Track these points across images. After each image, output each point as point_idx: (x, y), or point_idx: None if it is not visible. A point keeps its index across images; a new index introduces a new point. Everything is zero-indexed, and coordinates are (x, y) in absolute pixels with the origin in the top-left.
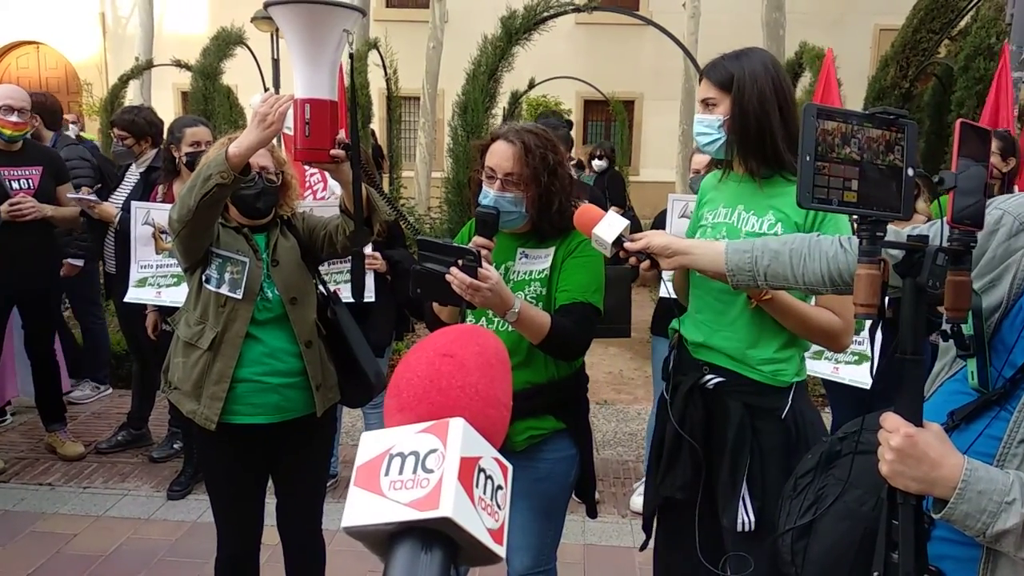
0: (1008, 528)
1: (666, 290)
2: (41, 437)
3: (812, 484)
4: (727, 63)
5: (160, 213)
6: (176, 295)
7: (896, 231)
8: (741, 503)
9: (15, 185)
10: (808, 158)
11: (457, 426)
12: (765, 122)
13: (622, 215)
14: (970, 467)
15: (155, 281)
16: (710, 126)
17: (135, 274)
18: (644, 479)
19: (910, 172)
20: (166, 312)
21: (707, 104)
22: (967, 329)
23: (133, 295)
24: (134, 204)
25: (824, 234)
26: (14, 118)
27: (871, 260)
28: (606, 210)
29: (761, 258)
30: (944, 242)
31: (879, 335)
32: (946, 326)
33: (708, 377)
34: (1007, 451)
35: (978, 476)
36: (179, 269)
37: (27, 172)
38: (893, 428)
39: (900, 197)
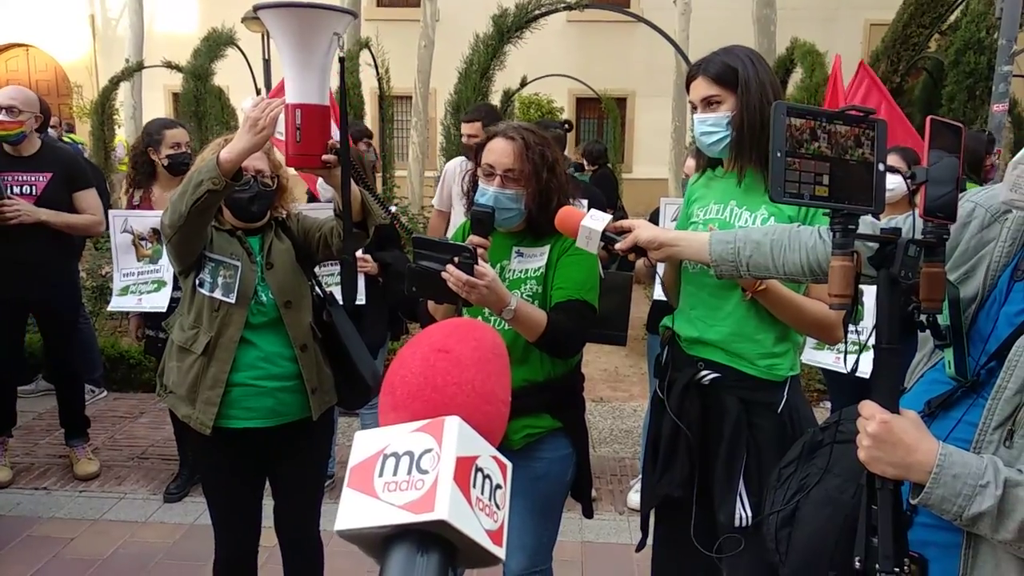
0: (983, 511)
1: (661, 292)
2: (36, 442)
3: (795, 474)
4: (725, 59)
5: (138, 220)
6: (156, 300)
7: (872, 223)
8: (738, 498)
9: (16, 191)
10: (779, 154)
11: (452, 425)
12: (767, 118)
13: (612, 216)
14: (944, 452)
15: (136, 288)
16: (716, 124)
17: (118, 283)
18: (640, 477)
19: (881, 167)
20: (147, 316)
21: (709, 102)
22: (943, 319)
23: (116, 304)
24: (112, 213)
25: (816, 226)
26: (1, 116)
27: (844, 252)
28: (603, 208)
29: (743, 248)
30: (918, 235)
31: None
32: (922, 317)
33: (703, 373)
34: (983, 437)
35: (952, 461)
36: (158, 275)
37: (33, 178)
38: (869, 415)
39: (872, 191)
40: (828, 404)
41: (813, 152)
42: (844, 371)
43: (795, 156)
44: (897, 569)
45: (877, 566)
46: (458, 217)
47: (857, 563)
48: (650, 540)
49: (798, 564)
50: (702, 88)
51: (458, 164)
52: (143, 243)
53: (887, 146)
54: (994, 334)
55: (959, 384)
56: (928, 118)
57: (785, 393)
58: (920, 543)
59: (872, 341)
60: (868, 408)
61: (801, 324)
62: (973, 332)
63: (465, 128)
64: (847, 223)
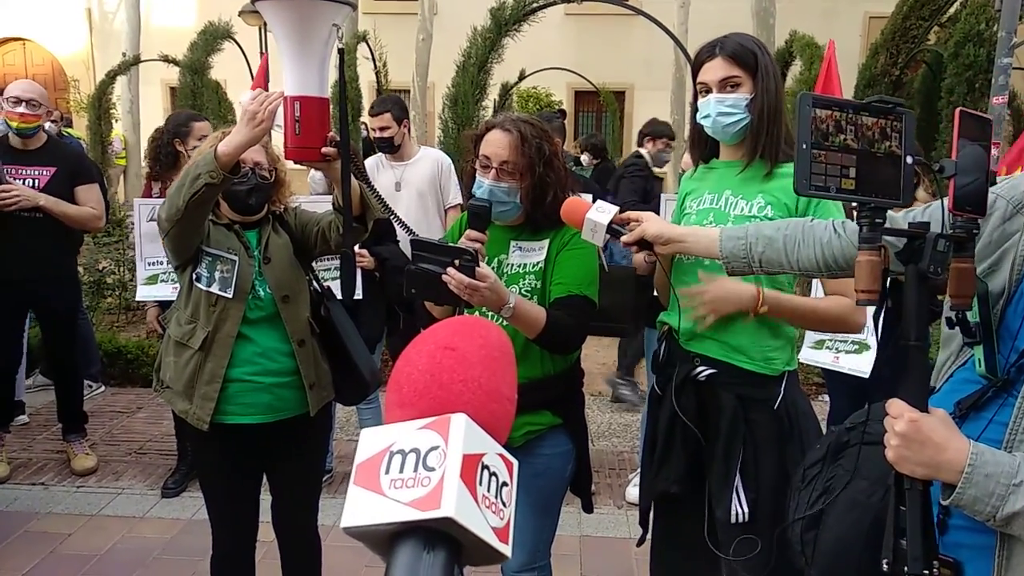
0: (1017, 510)
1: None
2: (34, 437)
3: (820, 475)
4: (741, 41)
5: None
6: None
7: (893, 217)
8: (735, 494)
9: (18, 183)
10: (804, 146)
11: (459, 422)
12: (779, 106)
13: (618, 208)
14: (976, 451)
15: (168, 277)
16: (735, 106)
17: (143, 272)
18: (639, 471)
19: (909, 160)
20: (166, 305)
21: (728, 83)
22: (972, 316)
23: (144, 293)
24: (137, 201)
25: (817, 218)
26: (22, 109)
27: (872, 247)
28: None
29: (755, 244)
30: (947, 229)
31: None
32: (950, 313)
33: (700, 369)
34: (1014, 436)
35: (984, 460)
36: None
37: (36, 172)
38: (898, 414)
39: (899, 184)
40: (826, 398)
41: (839, 144)
42: (843, 371)
43: (820, 148)
44: (927, 572)
45: (906, 568)
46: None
47: (885, 565)
48: (649, 535)
49: (825, 567)
50: (721, 68)
51: (372, 163)
52: None
53: None
54: (1023, 331)
55: (990, 383)
56: (957, 110)
57: (782, 388)
58: (953, 545)
59: (870, 340)
60: (896, 407)
61: (822, 324)
62: (1002, 328)
63: (374, 122)
64: (874, 217)
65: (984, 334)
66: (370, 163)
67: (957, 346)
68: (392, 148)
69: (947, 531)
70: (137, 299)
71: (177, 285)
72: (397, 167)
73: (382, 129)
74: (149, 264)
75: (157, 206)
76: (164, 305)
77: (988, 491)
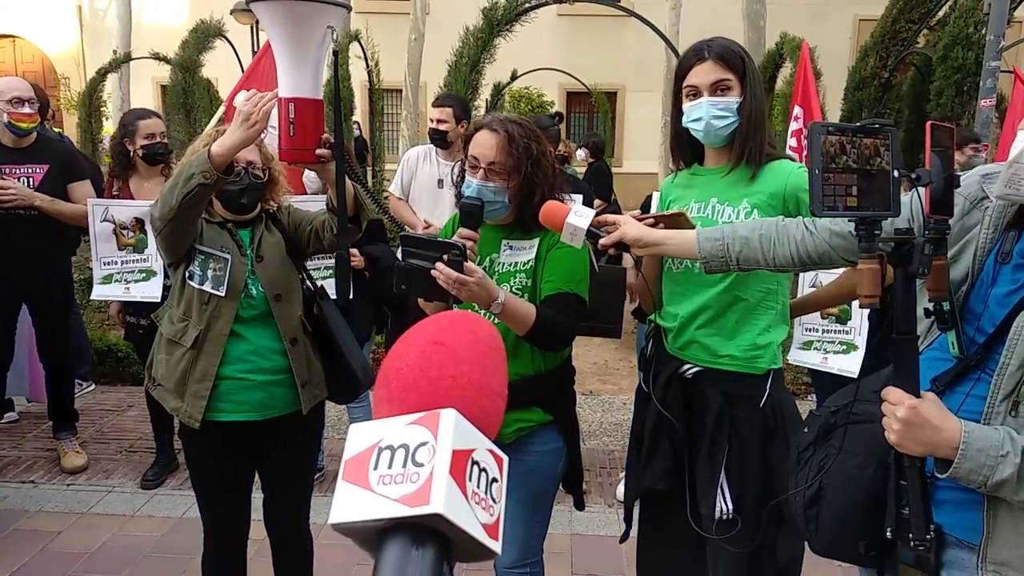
0: (1005, 477)
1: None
2: (24, 435)
3: (814, 456)
4: (727, 44)
5: (119, 209)
6: (146, 290)
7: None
8: (719, 490)
9: (14, 182)
10: (817, 171)
11: (448, 417)
12: (764, 109)
13: (605, 209)
14: (967, 429)
15: (121, 277)
16: (727, 109)
17: (99, 271)
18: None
19: (896, 173)
20: (128, 302)
21: (720, 87)
22: (946, 305)
23: (99, 292)
24: (90, 201)
25: (800, 218)
26: (26, 109)
27: (871, 255)
28: (591, 203)
29: (732, 244)
30: (923, 232)
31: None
32: (928, 304)
33: (686, 366)
34: (991, 409)
35: (975, 436)
36: (146, 264)
37: (30, 170)
38: (897, 401)
39: (890, 196)
40: (814, 397)
41: (843, 165)
42: (831, 371)
43: (829, 171)
44: (928, 537)
45: (910, 535)
46: (421, 204)
47: (889, 533)
48: (636, 532)
49: (828, 540)
50: (712, 72)
51: (419, 152)
52: (125, 232)
53: None
54: (986, 314)
55: (961, 361)
56: (928, 124)
57: (767, 386)
58: (942, 501)
59: (858, 340)
60: (894, 395)
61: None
62: (965, 312)
63: (435, 113)
64: (872, 228)
65: (952, 320)
66: (417, 152)
67: (925, 328)
68: (444, 143)
69: (936, 490)
70: (91, 298)
71: (129, 286)
72: (444, 164)
73: (440, 121)
74: (104, 264)
75: (110, 206)
76: (127, 302)
77: (980, 463)
